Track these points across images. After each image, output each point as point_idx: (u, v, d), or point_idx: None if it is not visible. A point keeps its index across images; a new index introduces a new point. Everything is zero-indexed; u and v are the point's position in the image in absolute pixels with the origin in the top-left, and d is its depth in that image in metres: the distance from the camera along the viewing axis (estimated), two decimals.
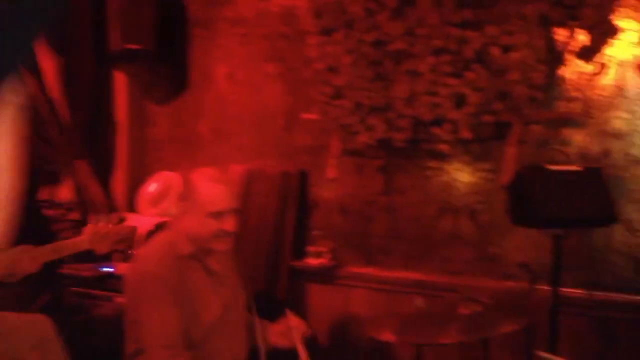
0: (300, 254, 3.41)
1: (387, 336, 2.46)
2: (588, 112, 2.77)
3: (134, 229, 2.64)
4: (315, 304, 3.45)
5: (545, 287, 2.62)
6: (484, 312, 2.38)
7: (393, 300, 3.22)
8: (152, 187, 3.48)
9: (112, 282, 3.13)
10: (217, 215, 2.15)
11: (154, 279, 2.11)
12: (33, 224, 3.39)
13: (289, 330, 2.32)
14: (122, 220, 2.69)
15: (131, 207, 3.61)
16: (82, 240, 2.37)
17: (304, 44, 3.36)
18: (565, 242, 2.90)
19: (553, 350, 2.62)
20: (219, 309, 2.22)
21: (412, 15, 2.94)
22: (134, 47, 3.46)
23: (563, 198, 2.52)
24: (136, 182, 3.71)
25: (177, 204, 2.30)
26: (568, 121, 2.80)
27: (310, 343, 2.37)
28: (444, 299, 2.78)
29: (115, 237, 2.42)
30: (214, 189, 2.17)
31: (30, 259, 2.14)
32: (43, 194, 3.56)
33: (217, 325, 2.21)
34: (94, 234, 2.37)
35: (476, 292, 2.53)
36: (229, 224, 2.17)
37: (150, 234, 2.73)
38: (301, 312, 3.45)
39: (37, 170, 3.50)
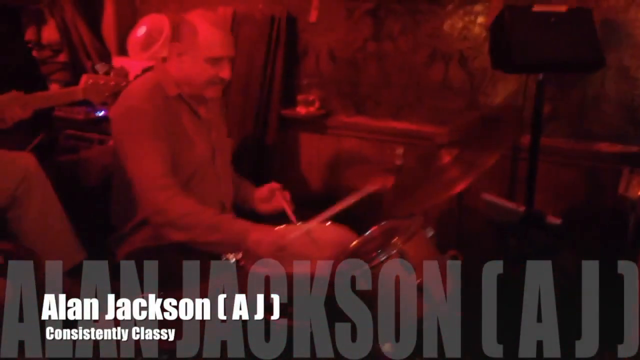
0: (290, 102, 3.37)
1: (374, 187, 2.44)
2: None
3: (127, 75, 2.59)
4: (306, 152, 3.45)
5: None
6: (462, 154, 2.29)
7: (382, 149, 3.20)
8: (141, 30, 3.42)
9: (104, 125, 3.18)
10: (215, 61, 2.07)
11: (139, 113, 2.05)
12: (22, 65, 3.45)
13: (273, 194, 2.31)
14: (121, 72, 2.64)
15: (122, 51, 3.57)
16: (76, 91, 2.32)
17: None
18: (555, 90, 2.80)
19: (530, 198, 2.60)
20: (206, 151, 2.20)
21: None
22: None
23: (544, 40, 2.37)
24: (126, 24, 3.64)
25: (169, 45, 2.20)
26: None
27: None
28: (423, 149, 2.74)
29: (113, 89, 2.37)
30: (215, 34, 2.06)
31: (21, 106, 2.14)
32: (29, 34, 3.53)
33: (203, 167, 2.19)
34: (91, 84, 2.32)
35: (452, 134, 2.43)
36: (225, 71, 2.10)
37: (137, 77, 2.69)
38: (291, 160, 3.49)
39: (20, 8, 3.46)
